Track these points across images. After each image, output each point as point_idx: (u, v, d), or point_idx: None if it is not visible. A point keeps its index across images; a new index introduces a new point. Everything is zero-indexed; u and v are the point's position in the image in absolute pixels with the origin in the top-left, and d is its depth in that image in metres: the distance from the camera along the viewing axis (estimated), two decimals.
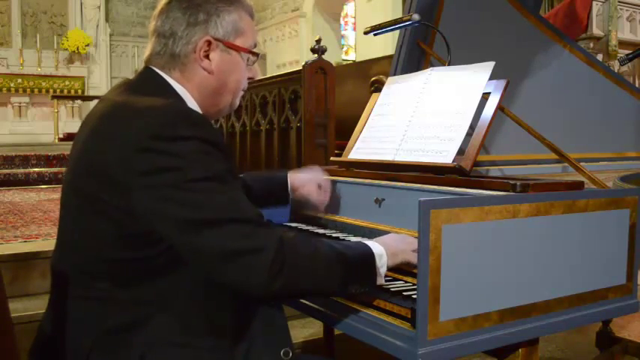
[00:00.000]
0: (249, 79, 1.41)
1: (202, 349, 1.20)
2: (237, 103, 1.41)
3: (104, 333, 1.19)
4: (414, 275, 1.27)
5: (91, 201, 1.19)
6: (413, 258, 1.33)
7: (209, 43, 1.30)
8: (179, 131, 1.14)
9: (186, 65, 1.31)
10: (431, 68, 1.79)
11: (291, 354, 1.28)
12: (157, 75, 1.31)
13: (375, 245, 1.29)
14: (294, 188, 1.75)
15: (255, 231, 1.13)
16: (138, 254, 1.17)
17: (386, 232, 1.57)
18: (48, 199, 5.40)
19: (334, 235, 1.71)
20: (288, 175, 1.76)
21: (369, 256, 1.27)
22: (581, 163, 1.72)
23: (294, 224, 1.91)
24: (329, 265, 1.20)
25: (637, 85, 6.09)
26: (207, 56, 1.31)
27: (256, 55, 1.39)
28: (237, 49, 1.34)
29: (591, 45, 6.22)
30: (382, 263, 1.28)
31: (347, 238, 1.64)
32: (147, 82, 1.31)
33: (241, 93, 1.41)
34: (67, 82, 10.21)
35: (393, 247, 1.33)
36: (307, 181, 1.75)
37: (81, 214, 1.22)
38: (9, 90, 9.80)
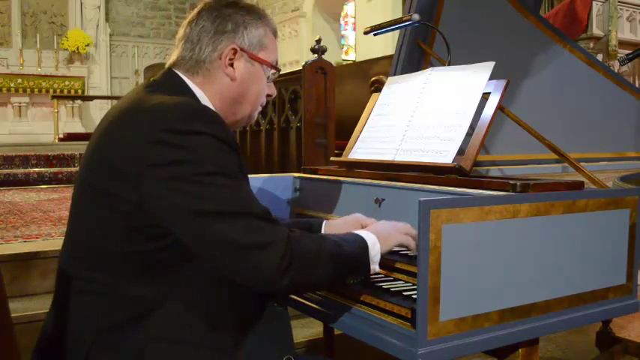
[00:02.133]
0: (267, 96, 1.45)
1: (203, 348, 1.21)
2: (255, 116, 1.45)
3: (105, 329, 1.19)
4: (414, 275, 1.27)
5: (101, 195, 1.20)
6: (404, 240, 1.37)
7: (235, 51, 1.35)
8: (192, 126, 1.16)
9: (210, 71, 1.35)
10: (431, 68, 1.79)
11: None
12: (178, 77, 1.35)
13: (368, 235, 1.32)
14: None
15: (265, 226, 1.15)
16: (144, 248, 1.18)
17: None
18: (48, 199, 5.40)
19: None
20: (324, 223, 1.64)
21: (364, 248, 1.29)
22: (581, 163, 1.72)
23: None
24: (330, 261, 1.22)
25: (637, 85, 6.09)
26: (231, 64, 1.35)
27: (278, 70, 1.44)
28: (261, 61, 1.39)
29: (591, 45, 6.23)
30: (375, 251, 1.31)
31: None
32: (167, 83, 1.34)
33: (259, 108, 1.45)
34: (67, 82, 10.22)
35: (384, 232, 1.36)
36: (342, 228, 1.59)
37: (91, 208, 1.24)
38: (9, 90, 9.82)
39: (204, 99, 1.34)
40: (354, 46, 11.78)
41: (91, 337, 1.20)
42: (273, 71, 1.43)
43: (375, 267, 1.30)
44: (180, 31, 1.39)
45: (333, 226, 1.60)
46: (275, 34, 1.45)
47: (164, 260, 1.19)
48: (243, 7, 1.39)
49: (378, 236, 1.32)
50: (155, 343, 1.18)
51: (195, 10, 1.39)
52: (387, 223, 1.43)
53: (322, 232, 1.61)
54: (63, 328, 1.25)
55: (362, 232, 1.33)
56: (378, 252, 1.31)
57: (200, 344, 1.21)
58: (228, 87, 1.36)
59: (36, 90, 10.00)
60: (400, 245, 1.38)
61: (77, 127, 10.27)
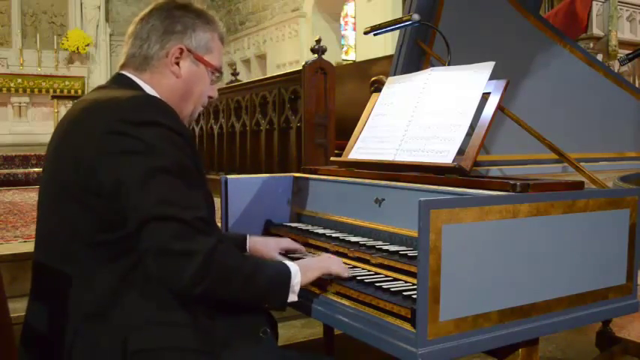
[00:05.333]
0: (209, 97, 1.51)
1: (179, 326, 1.24)
2: (195, 116, 1.52)
3: (83, 318, 1.22)
4: (414, 275, 1.27)
5: (67, 189, 1.25)
6: (324, 269, 1.41)
7: (181, 51, 1.41)
8: (148, 116, 1.22)
9: (158, 68, 1.41)
10: (431, 68, 1.79)
11: (268, 331, 1.36)
12: (127, 78, 1.41)
13: (292, 266, 1.36)
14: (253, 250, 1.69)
15: (194, 235, 1.18)
16: (113, 236, 1.22)
17: (386, 232, 1.58)
18: None
19: (334, 235, 1.71)
20: (248, 238, 1.71)
21: (286, 276, 1.33)
22: (581, 163, 1.72)
23: (294, 224, 1.91)
24: (247, 281, 1.26)
25: (637, 85, 6.09)
26: (177, 63, 1.41)
27: (221, 73, 1.51)
28: (205, 63, 1.45)
29: (591, 45, 6.22)
30: (296, 282, 1.34)
31: (347, 239, 1.64)
32: (118, 83, 1.41)
33: (200, 108, 1.50)
34: (67, 82, 10.19)
35: (306, 265, 1.40)
36: (265, 246, 1.69)
37: (58, 203, 1.28)
38: (9, 90, 9.78)
39: (153, 94, 1.39)
40: (354, 46, 11.77)
41: (72, 328, 1.22)
42: (216, 74, 1.49)
43: (293, 297, 1.34)
44: (130, 28, 1.44)
45: (256, 242, 1.69)
46: (222, 40, 1.50)
47: (130, 246, 1.21)
48: (193, 10, 1.45)
49: (300, 268, 1.36)
50: (135, 329, 1.21)
51: (147, 9, 1.45)
52: (313, 259, 1.49)
53: (247, 245, 1.68)
54: (45, 320, 1.28)
55: (287, 262, 1.37)
56: (299, 283, 1.35)
57: (175, 323, 1.24)
58: (174, 84, 1.42)
59: (36, 90, 9.97)
60: (321, 274, 1.41)
61: None
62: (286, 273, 1.33)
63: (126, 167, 1.18)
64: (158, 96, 1.38)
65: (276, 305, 1.34)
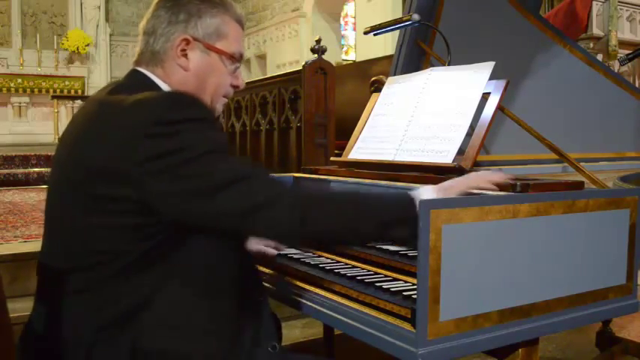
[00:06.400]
0: (234, 87, 1.41)
1: (203, 335, 1.21)
2: (219, 108, 1.41)
3: (105, 326, 1.19)
4: (414, 275, 1.27)
5: (88, 197, 1.18)
6: (475, 183, 1.31)
7: (187, 41, 1.31)
8: (177, 115, 1.16)
9: (166, 62, 1.33)
10: (431, 68, 1.79)
11: (277, 347, 1.33)
12: (142, 74, 1.33)
13: (422, 188, 1.27)
14: None
15: (264, 184, 1.18)
16: (140, 245, 1.17)
17: None
18: None
19: None
20: None
21: (404, 194, 1.23)
22: (581, 163, 1.72)
23: None
24: (353, 203, 1.23)
25: (637, 85, 6.09)
26: (185, 55, 1.32)
27: (237, 60, 1.39)
28: (217, 51, 1.34)
29: (591, 45, 6.22)
30: (429, 196, 1.23)
31: None
32: (133, 81, 1.33)
33: (223, 99, 1.40)
34: (67, 82, 10.21)
35: (447, 184, 1.31)
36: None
37: (76, 210, 1.21)
38: (9, 90, 9.80)
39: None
40: (354, 46, 11.77)
41: (92, 335, 1.19)
42: (233, 61, 1.37)
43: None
44: (141, 24, 1.38)
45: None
46: (239, 22, 1.38)
47: (159, 253, 1.19)
48: None
49: (434, 189, 1.26)
50: (155, 335, 1.19)
51: (155, 1, 1.37)
52: (457, 178, 1.36)
53: None
54: (57, 328, 1.23)
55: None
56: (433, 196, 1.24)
57: (199, 332, 1.22)
58: (185, 78, 1.33)
59: (36, 90, 9.98)
60: (471, 188, 1.30)
61: None
62: (405, 194, 1.22)
63: (172, 166, 1.13)
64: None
65: (409, 232, 1.18)
